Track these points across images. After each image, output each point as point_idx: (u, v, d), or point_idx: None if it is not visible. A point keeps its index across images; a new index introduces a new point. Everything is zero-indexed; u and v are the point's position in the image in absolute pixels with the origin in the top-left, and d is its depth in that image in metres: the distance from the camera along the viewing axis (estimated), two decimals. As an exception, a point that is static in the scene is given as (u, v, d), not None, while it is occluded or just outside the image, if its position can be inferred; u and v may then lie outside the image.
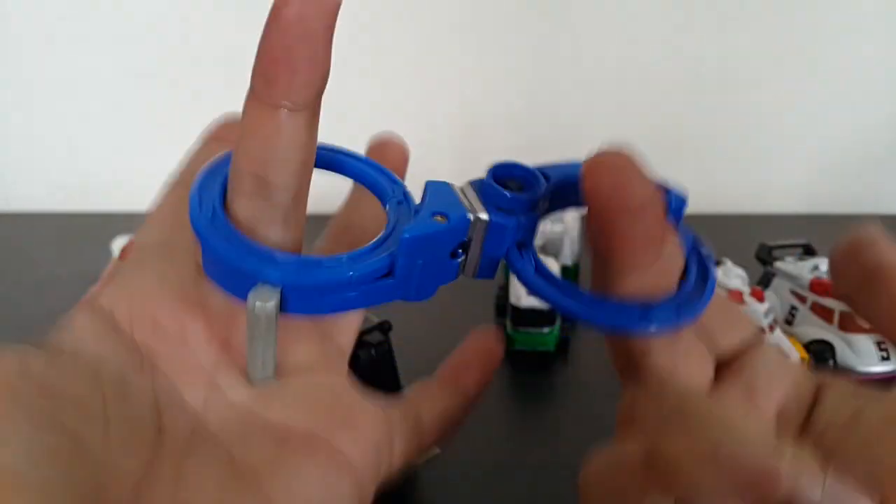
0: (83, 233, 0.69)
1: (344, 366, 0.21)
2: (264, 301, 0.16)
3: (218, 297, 0.18)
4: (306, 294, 0.17)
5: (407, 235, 0.17)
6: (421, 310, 0.52)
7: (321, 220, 0.23)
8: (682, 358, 0.18)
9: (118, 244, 0.54)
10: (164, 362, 0.17)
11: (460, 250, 0.19)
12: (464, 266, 0.19)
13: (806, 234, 0.49)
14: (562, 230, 0.53)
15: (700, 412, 0.17)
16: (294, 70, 0.16)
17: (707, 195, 0.78)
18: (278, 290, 0.17)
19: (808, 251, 0.47)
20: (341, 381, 0.20)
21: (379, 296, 0.18)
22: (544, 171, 0.20)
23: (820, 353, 0.42)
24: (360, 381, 0.36)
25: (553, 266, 0.49)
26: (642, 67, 0.73)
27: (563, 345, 0.49)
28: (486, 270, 0.19)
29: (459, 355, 0.23)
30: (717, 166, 0.78)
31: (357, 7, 0.70)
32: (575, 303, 0.18)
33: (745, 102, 0.75)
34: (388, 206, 0.19)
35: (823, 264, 0.45)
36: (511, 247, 0.19)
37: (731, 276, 0.46)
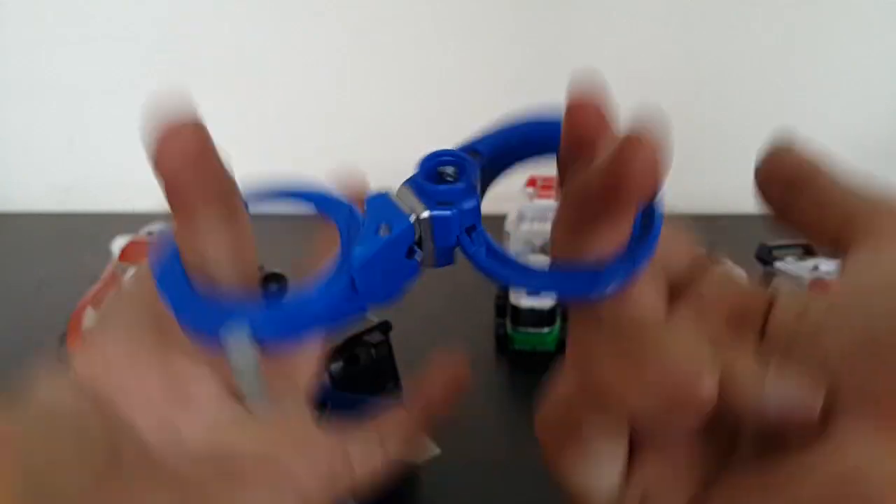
0: (83, 233, 0.69)
1: (301, 401, 0.23)
2: (237, 341, 0.18)
3: (176, 353, 0.20)
4: (279, 326, 0.19)
5: (357, 258, 0.18)
6: (421, 310, 0.52)
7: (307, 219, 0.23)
8: (634, 294, 0.18)
9: (118, 244, 0.54)
10: (124, 408, 0.20)
11: (416, 247, 0.19)
12: (422, 260, 0.20)
13: (806, 234, 0.49)
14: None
15: (634, 333, 0.17)
16: (182, 199, 0.18)
17: (707, 195, 0.78)
18: (246, 326, 0.18)
19: (808, 251, 0.47)
20: (297, 413, 0.23)
21: (348, 313, 0.19)
22: (473, 147, 0.20)
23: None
24: (361, 380, 0.36)
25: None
26: (641, 67, 0.73)
27: (563, 345, 0.49)
28: (442, 259, 0.20)
29: (426, 379, 0.25)
30: (716, 166, 0.78)
31: (353, 9, 0.70)
32: (529, 278, 0.19)
33: (746, 102, 0.75)
34: (339, 226, 0.20)
35: (823, 264, 0.45)
36: (461, 234, 0.19)
37: (731, 276, 0.46)
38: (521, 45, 0.72)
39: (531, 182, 0.58)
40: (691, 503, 0.17)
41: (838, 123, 0.75)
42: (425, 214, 0.18)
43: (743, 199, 0.89)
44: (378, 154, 0.75)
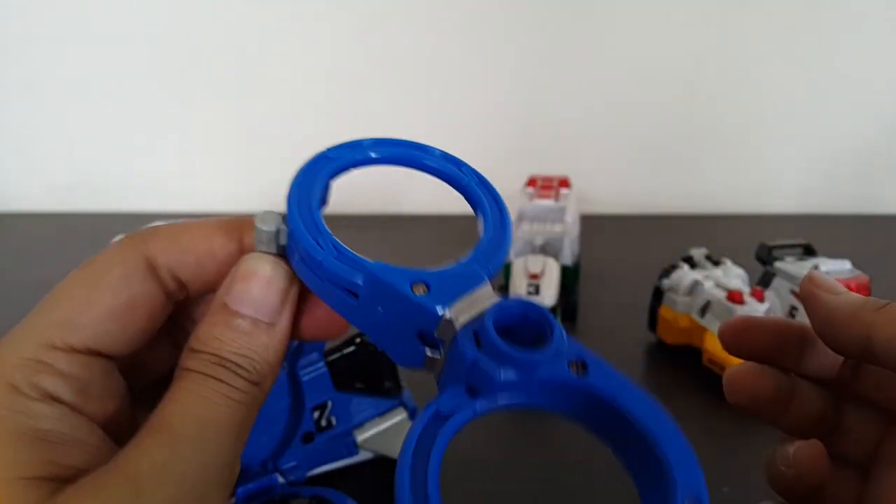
0: (83, 233, 0.69)
1: None
2: (268, 226, 0.18)
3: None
4: (301, 256, 0.17)
5: (370, 266, 0.16)
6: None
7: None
8: None
9: (118, 244, 0.54)
10: None
11: (429, 341, 0.17)
12: (430, 363, 0.17)
13: (806, 234, 0.49)
14: (562, 230, 0.53)
15: None
16: None
17: (707, 195, 0.78)
18: (280, 217, 0.17)
19: (808, 251, 0.47)
20: None
21: (338, 306, 0.17)
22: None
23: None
24: (360, 380, 0.36)
25: (553, 266, 0.49)
26: (643, 68, 0.73)
27: (563, 345, 0.49)
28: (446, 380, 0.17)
29: None
30: (716, 166, 0.78)
31: (357, 10, 0.70)
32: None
33: (746, 103, 0.75)
34: (481, 217, 0.19)
35: (823, 264, 0.45)
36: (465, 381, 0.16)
37: (731, 276, 0.46)
38: (521, 45, 0.72)
39: (531, 182, 0.58)
40: None
41: (838, 124, 0.76)
42: (462, 320, 0.16)
43: (743, 199, 0.90)
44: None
